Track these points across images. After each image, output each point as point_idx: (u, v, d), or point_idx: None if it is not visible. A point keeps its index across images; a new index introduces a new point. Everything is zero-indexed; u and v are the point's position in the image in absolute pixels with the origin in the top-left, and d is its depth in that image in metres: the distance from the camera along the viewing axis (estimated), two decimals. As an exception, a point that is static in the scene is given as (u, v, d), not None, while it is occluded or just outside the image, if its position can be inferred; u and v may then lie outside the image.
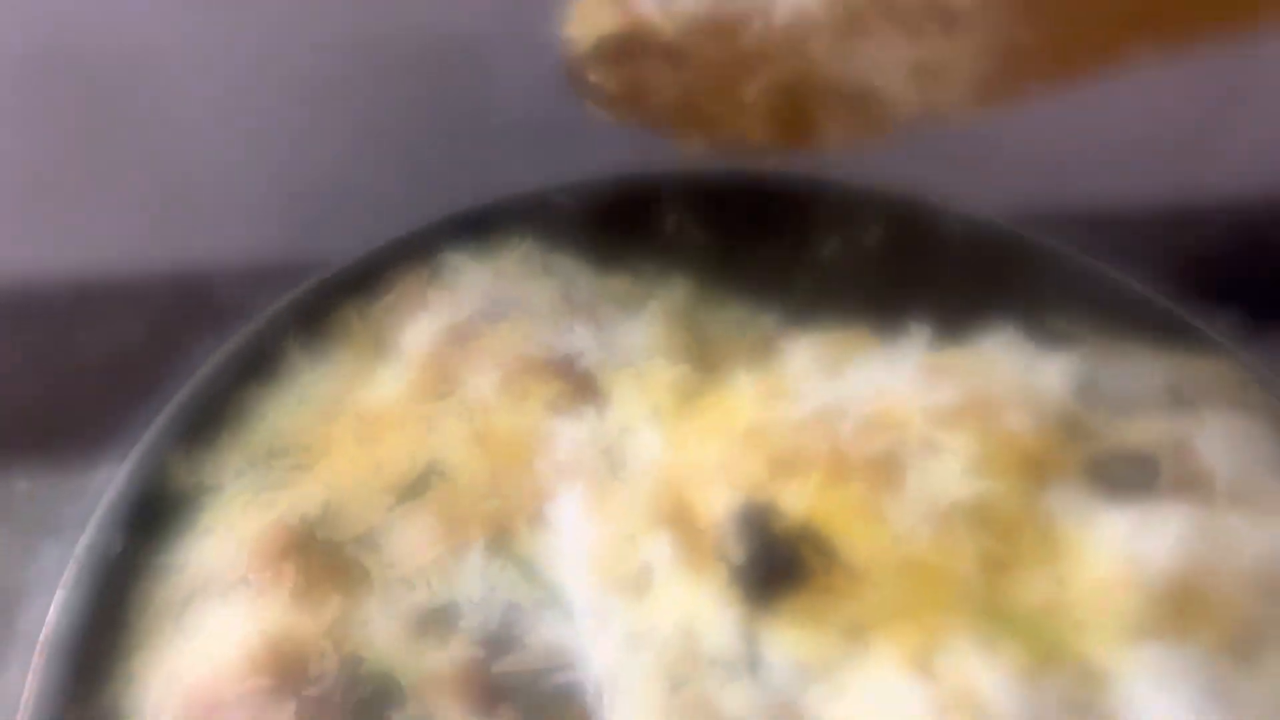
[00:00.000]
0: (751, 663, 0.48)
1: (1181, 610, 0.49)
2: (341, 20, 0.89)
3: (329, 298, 0.78)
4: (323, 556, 0.58)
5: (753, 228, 0.85)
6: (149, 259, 1.01)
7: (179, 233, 0.99)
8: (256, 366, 0.76)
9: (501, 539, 0.58)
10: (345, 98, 0.92)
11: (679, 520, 0.53)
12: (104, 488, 0.67)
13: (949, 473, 0.50)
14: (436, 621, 0.57)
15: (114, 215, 0.96)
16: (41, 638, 0.60)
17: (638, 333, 0.71)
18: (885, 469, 0.50)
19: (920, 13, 0.43)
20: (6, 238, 0.96)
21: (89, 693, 0.63)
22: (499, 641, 0.56)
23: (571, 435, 0.59)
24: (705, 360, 0.66)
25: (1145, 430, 0.54)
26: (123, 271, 1.01)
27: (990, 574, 0.49)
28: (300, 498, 0.64)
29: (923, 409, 0.51)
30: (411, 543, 0.58)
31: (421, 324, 0.74)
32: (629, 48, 0.48)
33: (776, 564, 0.47)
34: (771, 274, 0.86)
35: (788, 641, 0.48)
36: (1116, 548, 0.49)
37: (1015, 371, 0.55)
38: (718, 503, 0.51)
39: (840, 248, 0.84)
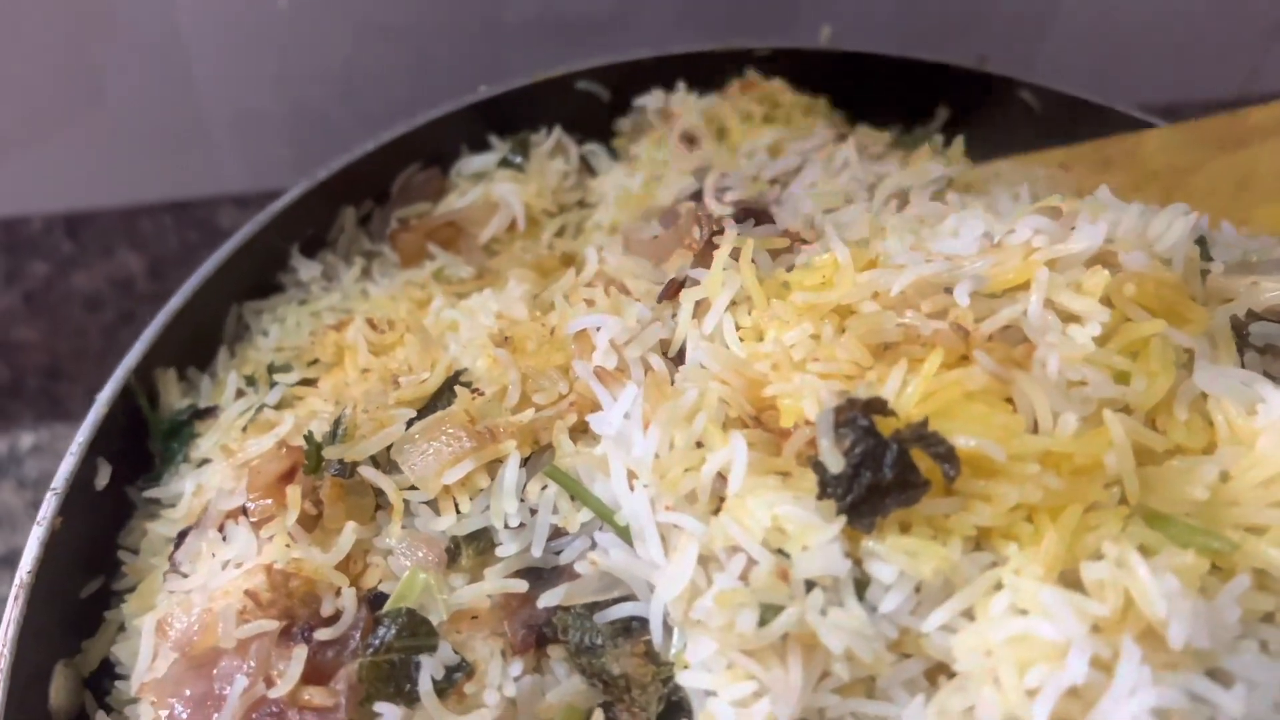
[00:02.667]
0: (858, 584, 0.40)
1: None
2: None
3: (336, 198, 0.69)
4: (333, 479, 0.50)
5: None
6: (147, 187, 0.92)
7: (180, 157, 0.90)
8: (256, 276, 0.67)
9: (539, 453, 0.49)
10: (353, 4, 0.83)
11: (758, 421, 0.44)
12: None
13: (1084, 339, 0.41)
14: (469, 550, 0.48)
15: (109, 142, 0.87)
16: (18, 579, 0.52)
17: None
18: (1012, 341, 0.41)
19: None
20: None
21: (76, 641, 0.56)
22: (543, 571, 0.47)
23: (614, 333, 0.49)
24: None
25: None
26: (119, 203, 0.92)
27: (1141, 466, 0.40)
28: (306, 415, 0.55)
29: (1046, 260, 0.42)
30: (435, 461, 0.49)
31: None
32: None
33: (884, 471, 0.38)
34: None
35: (900, 556, 0.39)
36: (1291, 431, 0.40)
37: (1132, 221, 0.45)
38: (807, 399, 0.42)
39: (902, 123, 0.75)
